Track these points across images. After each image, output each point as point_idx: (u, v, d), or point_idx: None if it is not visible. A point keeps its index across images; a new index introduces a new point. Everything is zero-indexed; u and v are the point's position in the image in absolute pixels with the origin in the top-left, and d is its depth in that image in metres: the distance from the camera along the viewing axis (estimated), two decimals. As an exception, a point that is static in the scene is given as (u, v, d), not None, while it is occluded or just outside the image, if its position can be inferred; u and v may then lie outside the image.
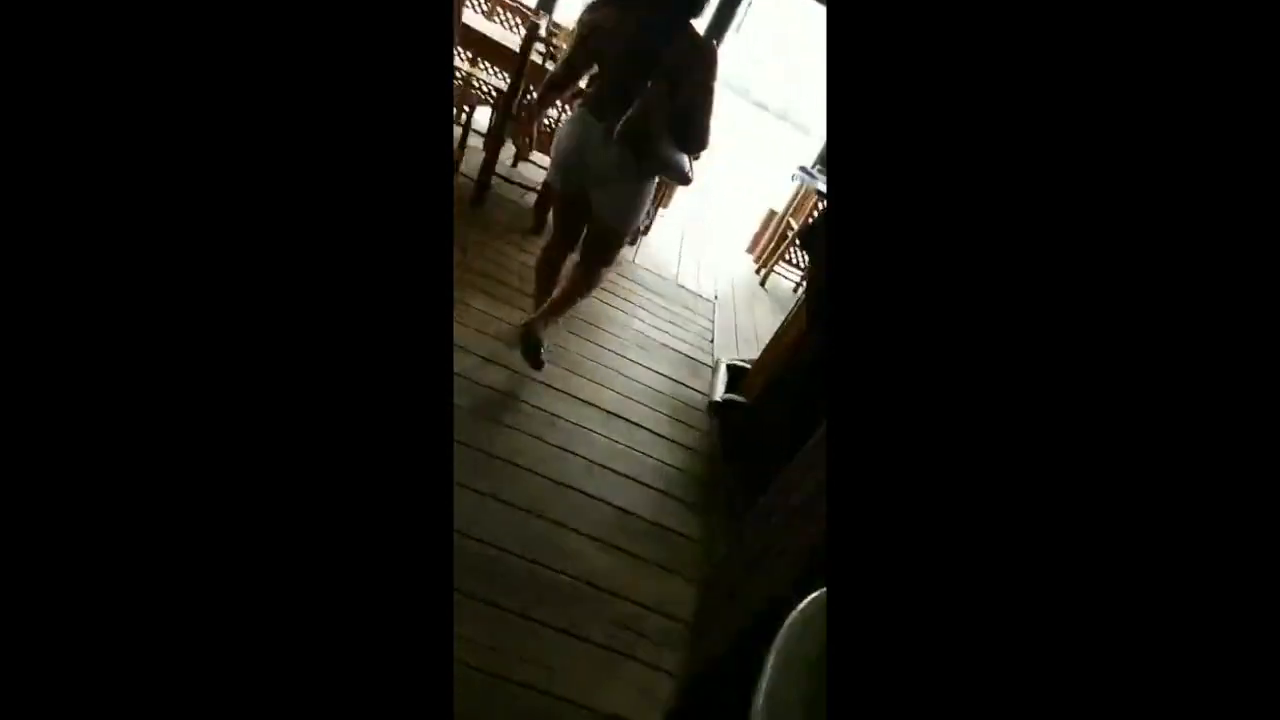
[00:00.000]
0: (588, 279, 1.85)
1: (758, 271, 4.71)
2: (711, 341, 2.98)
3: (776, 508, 1.38)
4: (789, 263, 4.86)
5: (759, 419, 2.01)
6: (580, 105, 1.65)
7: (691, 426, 2.19)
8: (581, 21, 1.55)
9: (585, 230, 1.81)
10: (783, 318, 2.29)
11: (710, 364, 2.69)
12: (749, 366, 2.45)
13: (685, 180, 1.58)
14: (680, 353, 2.67)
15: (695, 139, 1.52)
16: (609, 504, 1.68)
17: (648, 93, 1.41)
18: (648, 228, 3.51)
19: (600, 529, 1.59)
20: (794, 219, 4.57)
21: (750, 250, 5.20)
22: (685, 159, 1.54)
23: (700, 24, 1.52)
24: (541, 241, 2.30)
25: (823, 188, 3.07)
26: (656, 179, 1.64)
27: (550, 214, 2.09)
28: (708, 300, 3.47)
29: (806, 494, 1.24)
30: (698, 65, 1.44)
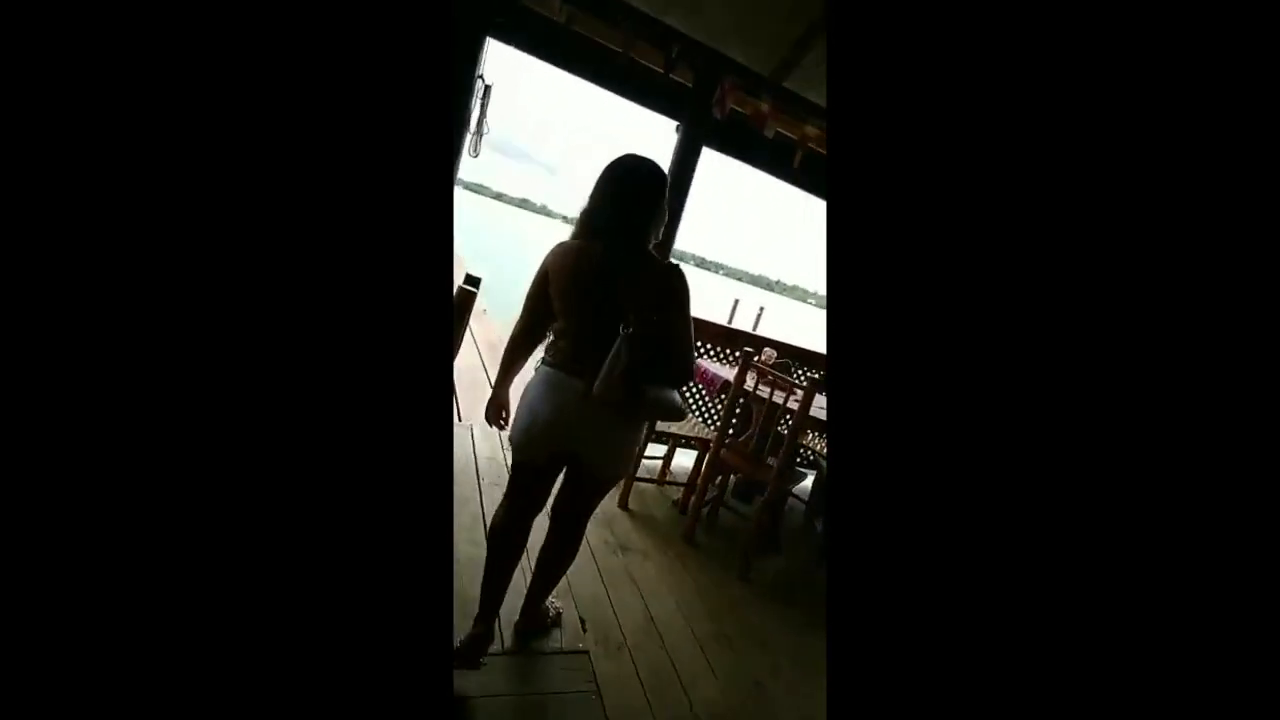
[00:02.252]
0: (575, 542, 1.61)
1: (679, 507, 2.84)
2: None
3: None
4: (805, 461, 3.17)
5: None
6: (545, 364, 1.42)
7: None
8: (538, 272, 1.41)
9: (562, 489, 1.56)
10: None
11: None
12: None
13: (680, 415, 1.40)
14: None
15: (681, 372, 1.35)
16: None
17: (623, 340, 1.24)
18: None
19: None
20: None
21: (657, 480, 3.08)
22: (675, 394, 1.37)
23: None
24: (495, 517, 1.58)
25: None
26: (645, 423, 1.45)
27: (511, 486, 1.54)
28: (572, 654, 1.75)
29: None
30: (668, 292, 1.30)
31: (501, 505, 1.55)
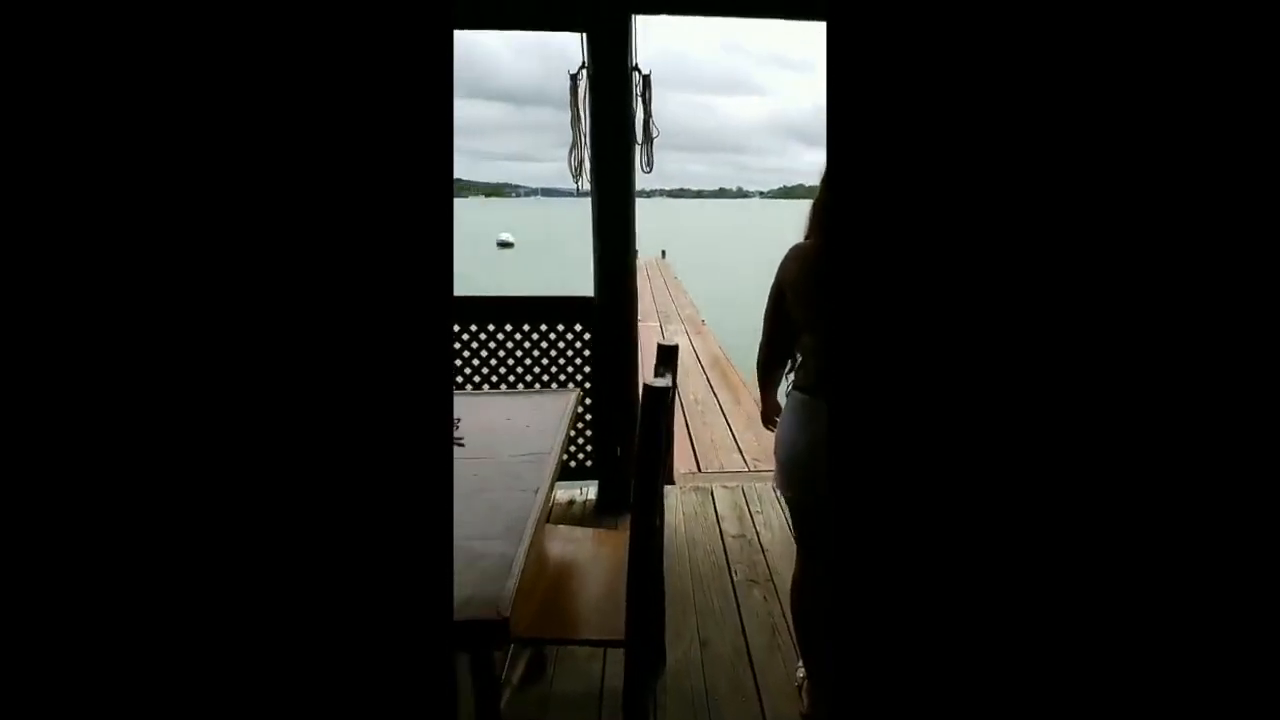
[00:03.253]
0: None
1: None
2: None
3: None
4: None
5: None
6: (794, 388, 1.30)
7: None
8: (774, 285, 1.28)
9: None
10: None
11: None
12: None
13: None
14: None
15: None
16: None
17: None
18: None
19: None
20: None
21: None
22: None
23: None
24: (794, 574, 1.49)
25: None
26: None
27: (795, 533, 1.47)
28: None
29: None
30: None
31: (796, 560, 1.43)
